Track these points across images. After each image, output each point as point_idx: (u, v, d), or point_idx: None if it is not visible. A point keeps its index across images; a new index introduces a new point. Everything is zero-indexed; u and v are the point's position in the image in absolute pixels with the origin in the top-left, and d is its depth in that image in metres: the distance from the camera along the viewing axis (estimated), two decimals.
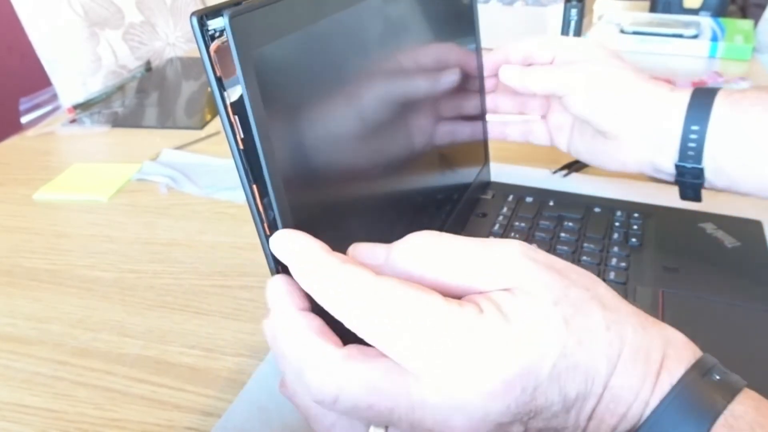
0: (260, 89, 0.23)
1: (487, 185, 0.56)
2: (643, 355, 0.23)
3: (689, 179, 0.43)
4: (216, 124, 0.76)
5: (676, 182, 0.45)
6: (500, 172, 0.58)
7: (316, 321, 0.24)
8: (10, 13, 0.84)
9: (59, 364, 0.39)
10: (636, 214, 0.51)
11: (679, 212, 0.51)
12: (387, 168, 0.35)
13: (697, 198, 0.45)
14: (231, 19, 0.21)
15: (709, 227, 0.49)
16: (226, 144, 0.23)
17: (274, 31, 0.24)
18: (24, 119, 0.79)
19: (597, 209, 0.52)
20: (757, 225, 0.49)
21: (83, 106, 0.81)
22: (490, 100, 0.54)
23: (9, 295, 0.46)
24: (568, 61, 0.47)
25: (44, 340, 0.41)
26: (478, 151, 0.54)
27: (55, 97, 0.83)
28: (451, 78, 0.46)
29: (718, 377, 0.23)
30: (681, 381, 0.22)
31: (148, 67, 0.96)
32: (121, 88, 0.88)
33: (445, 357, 0.21)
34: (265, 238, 0.25)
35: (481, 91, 0.52)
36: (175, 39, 1.07)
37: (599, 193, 0.55)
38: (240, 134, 0.23)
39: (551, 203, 0.53)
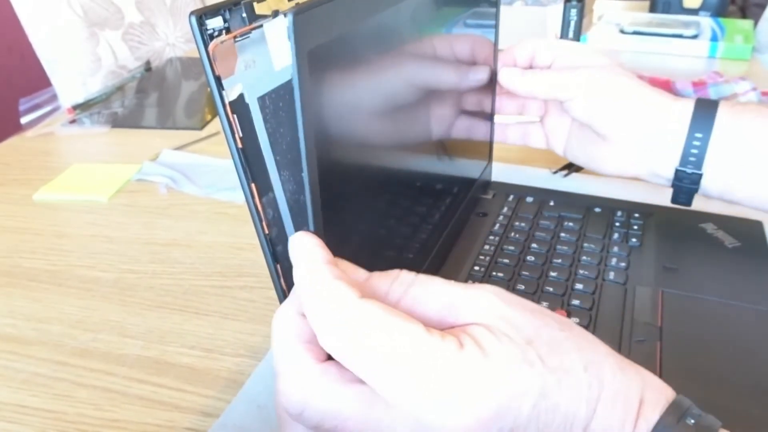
0: (312, 88, 0.23)
1: (487, 185, 0.56)
2: (622, 398, 0.22)
3: (686, 184, 0.45)
4: (216, 125, 0.76)
5: (672, 186, 0.46)
6: (501, 171, 0.58)
7: (308, 328, 0.23)
8: (9, 14, 0.84)
9: (59, 364, 0.39)
10: (636, 214, 0.51)
11: (679, 212, 0.51)
12: (402, 160, 0.35)
13: (688, 203, 0.47)
14: (294, 17, 0.21)
15: (709, 227, 0.49)
16: (225, 144, 0.23)
17: (327, 30, 0.24)
18: (24, 120, 0.79)
19: (597, 209, 0.52)
20: (757, 225, 0.49)
21: (83, 107, 0.81)
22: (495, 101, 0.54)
23: (9, 296, 0.46)
24: (568, 65, 0.47)
25: (44, 340, 0.41)
26: (484, 149, 0.55)
27: (54, 97, 0.83)
28: (477, 76, 0.46)
29: (692, 421, 0.22)
30: (657, 427, 0.22)
31: (147, 68, 0.96)
32: (120, 88, 0.88)
33: (422, 388, 0.20)
34: (264, 237, 0.25)
35: (493, 92, 0.52)
36: (175, 39, 1.07)
37: (599, 193, 0.55)
38: (239, 133, 0.23)
39: (551, 203, 0.53)
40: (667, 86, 0.69)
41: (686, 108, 0.44)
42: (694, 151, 0.43)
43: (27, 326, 0.43)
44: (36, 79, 0.88)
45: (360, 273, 0.25)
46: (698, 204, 0.48)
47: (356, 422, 0.21)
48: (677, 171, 0.45)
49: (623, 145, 0.46)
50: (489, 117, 0.53)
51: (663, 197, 0.54)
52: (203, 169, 0.64)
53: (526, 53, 0.49)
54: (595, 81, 0.45)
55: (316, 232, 0.24)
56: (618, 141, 0.46)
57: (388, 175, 0.34)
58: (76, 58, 0.89)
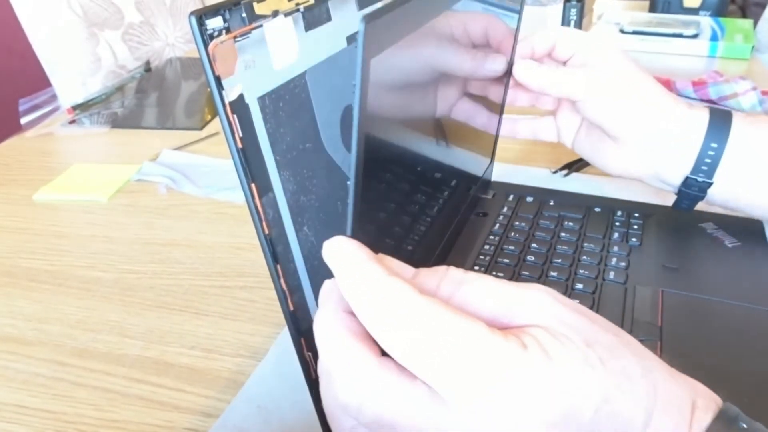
0: (370, 97, 0.22)
1: (487, 184, 0.56)
2: (676, 405, 0.22)
3: (694, 191, 0.45)
4: (215, 125, 0.76)
5: (678, 192, 0.47)
6: (501, 171, 0.58)
7: (358, 325, 0.23)
8: (9, 14, 0.84)
9: (59, 364, 0.39)
10: (636, 214, 0.51)
11: (679, 212, 0.51)
12: (421, 160, 0.36)
13: (691, 209, 0.47)
14: (367, 23, 0.21)
15: (710, 227, 0.49)
16: (225, 144, 0.23)
17: (390, 37, 0.24)
18: (23, 120, 0.78)
19: (597, 209, 0.52)
20: (757, 225, 0.49)
21: (83, 107, 0.81)
22: (509, 93, 0.53)
23: (9, 296, 0.46)
24: (586, 62, 0.46)
25: (44, 340, 0.41)
26: (489, 146, 0.54)
27: (54, 97, 0.83)
28: (494, 66, 0.45)
29: (744, 426, 0.22)
30: (711, 430, 0.22)
31: (147, 68, 0.96)
32: (120, 88, 0.88)
33: (486, 389, 0.20)
34: (264, 237, 0.25)
35: (504, 92, 0.52)
36: (175, 39, 1.07)
37: (599, 193, 0.55)
38: (239, 133, 0.23)
39: (551, 203, 0.53)
40: (667, 85, 0.69)
41: (701, 117, 0.44)
42: (708, 160, 0.43)
43: (27, 326, 0.43)
44: (36, 80, 0.88)
45: (406, 269, 0.24)
46: (698, 204, 0.48)
47: (415, 420, 0.21)
48: (687, 178, 0.45)
49: (633, 148, 0.46)
50: (498, 114, 0.53)
51: (663, 197, 0.54)
52: (203, 170, 0.64)
53: (547, 44, 0.48)
54: (610, 82, 0.45)
55: (354, 236, 0.24)
56: (628, 143, 0.46)
57: (411, 175, 0.34)
58: (75, 59, 0.89)
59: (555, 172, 0.60)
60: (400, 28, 0.25)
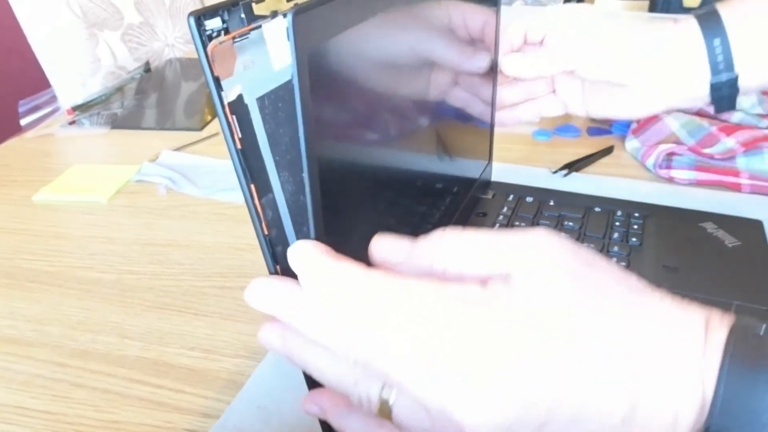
0: (311, 88, 0.23)
1: (487, 185, 0.56)
2: (683, 326, 0.21)
3: (726, 91, 0.44)
4: (215, 125, 0.75)
5: (712, 100, 0.45)
6: (500, 171, 0.58)
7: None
8: (8, 15, 0.84)
9: (59, 365, 0.39)
10: (636, 214, 0.51)
11: (679, 212, 0.51)
12: (402, 160, 0.35)
13: (733, 107, 0.46)
14: (294, 17, 0.21)
15: (710, 227, 0.49)
16: (225, 145, 0.23)
17: (328, 30, 0.24)
18: (23, 121, 0.78)
19: (597, 209, 0.52)
20: (757, 225, 0.49)
21: (82, 108, 0.80)
22: (503, 96, 0.53)
23: (9, 297, 0.46)
24: (561, 34, 0.47)
25: (44, 341, 0.41)
26: (485, 148, 0.54)
27: (54, 98, 0.83)
28: (478, 64, 0.46)
29: (761, 333, 0.21)
30: (734, 332, 0.21)
31: (147, 68, 0.96)
32: (120, 89, 0.88)
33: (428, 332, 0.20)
34: (263, 238, 0.25)
35: (493, 90, 0.52)
36: (174, 40, 1.07)
37: (599, 193, 0.55)
38: (238, 134, 0.23)
39: (551, 203, 0.53)
40: None
41: (691, 24, 0.44)
42: (720, 57, 0.43)
43: (26, 327, 0.43)
44: (35, 81, 0.88)
45: (402, 244, 0.24)
46: (698, 204, 0.48)
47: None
48: (713, 85, 0.44)
49: (645, 85, 0.45)
50: (489, 115, 0.53)
51: (663, 197, 0.54)
52: (203, 170, 0.64)
53: (520, 34, 0.49)
54: (595, 40, 0.45)
55: (317, 234, 0.24)
56: (638, 83, 0.45)
57: (389, 175, 0.34)
58: (75, 59, 0.89)
59: (555, 172, 0.60)
60: (343, 18, 0.25)
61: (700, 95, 0.45)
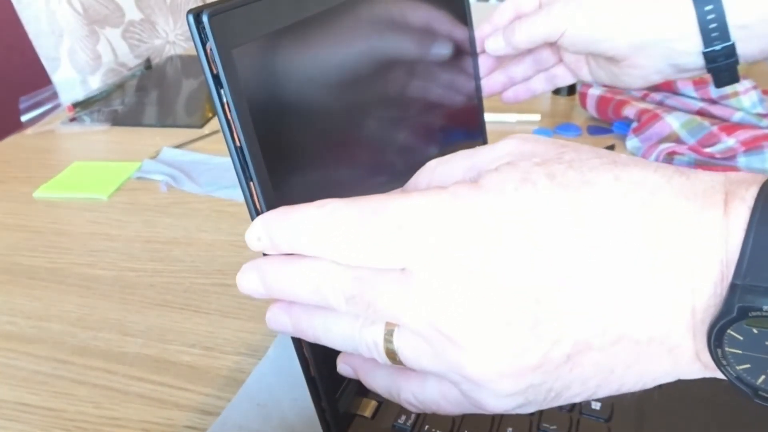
0: (243, 88, 0.23)
1: None
2: (689, 191, 0.19)
3: (723, 61, 0.42)
4: (216, 123, 0.75)
5: (710, 71, 0.43)
6: None
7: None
8: (9, 12, 0.84)
9: (59, 362, 0.39)
10: None
11: None
12: (382, 167, 0.35)
13: (736, 79, 0.43)
14: (210, 18, 0.21)
15: None
16: (225, 142, 0.23)
17: (255, 29, 0.24)
18: (24, 117, 0.79)
19: None
20: None
21: (83, 105, 0.80)
22: (502, 75, 0.52)
23: (9, 294, 0.46)
24: (550, 2, 0.45)
25: (44, 338, 0.41)
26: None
27: (55, 95, 0.83)
28: (445, 77, 0.46)
29: None
30: (762, 195, 0.18)
31: (147, 65, 0.96)
32: (120, 86, 0.88)
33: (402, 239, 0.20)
34: None
35: (478, 91, 0.52)
36: (175, 37, 1.07)
37: None
38: (236, 131, 0.23)
39: None
40: (667, 86, 0.69)
41: None
42: (713, 25, 0.40)
43: (27, 324, 0.43)
44: (36, 77, 0.88)
45: (398, 191, 0.24)
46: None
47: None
48: (706, 54, 0.41)
49: (633, 59, 0.44)
50: (478, 118, 0.53)
51: None
52: (203, 167, 0.64)
53: (507, 16, 0.48)
54: (576, 8, 0.43)
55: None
56: (629, 56, 0.44)
57: (366, 178, 0.33)
58: (76, 56, 0.89)
59: None
60: (273, 17, 0.25)
61: (694, 66, 0.43)
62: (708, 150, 0.58)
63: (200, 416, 0.35)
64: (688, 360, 0.20)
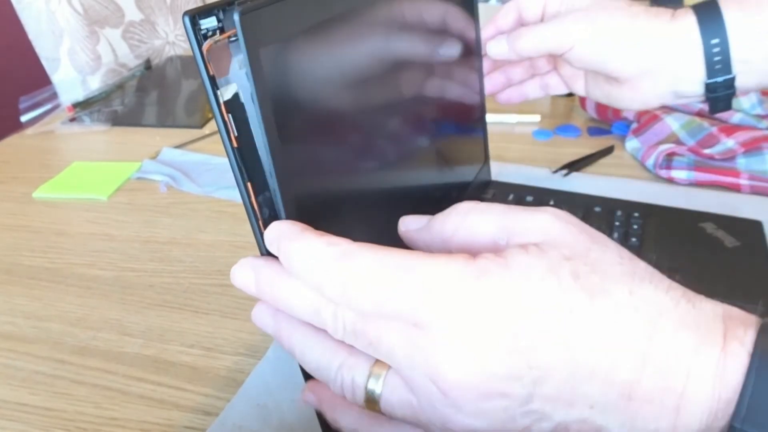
0: (268, 86, 0.23)
1: (487, 184, 0.56)
2: (692, 322, 0.20)
3: (722, 92, 0.43)
4: (215, 123, 0.76)
5: (707, 100, 0.44)
6: (500, 171, 0.58)
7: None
8: (9, 12, 0.84)
9: (58, 362, 0.39)
10: (636, 214, 0.51)
11: (679, 212, 0.51)
12: (388, 165, 0.35)
13: (729, 107, 0.44)
14: (241, 16, 0.21)
15: (709, 227, 0.49)
16: None
17: (282, 29, 0.24)
18: (24, 118, 0.79)
19: (597, 209, 0.52)
20: (757, 225, 0.49)
21: (83, 105, 0.81)
22: (501, 75, 0.53)
23: (8, 294, 0.46)
24: (556, 12, 0.45)
25: (43, 338, 0.41)
26: (478, 149, 0.54)
27: (54, 95, 0.83)
28: (453, 75, 0.46)
29: None
30: (761, 338, 0.20)
31: (147, 66, 0.96)
32: (120, 86, 0.88)
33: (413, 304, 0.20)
34: (260, 236, 0.25)
35: (481, 90, 0.52)
36: (175, 37, 1.07)
37: (599, 193, 0.55)
38: (234, 132, 0.23)
39: (551, 203, 0.53)
40: None
41: (688, 21, 0.42)
42: (718, 58, 0.41)
43: (26, 324, 0.43)
44: (36, 78, 0.88)
45: (424, 217, 0.25)
46: (698, 204, 0.48)
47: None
48: (708, 84, 0.42)
49: (638, 80, 0.44)
50: (480, 115, 0.53)
51: (663, 197, 0.54)
52: (203, 168, 0.64)
53: (510, 18, 0.47)
54: (588, 26, 0.43)
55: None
56: (631, 78, 0.44)
57: (375, 181, 0.33)
58: (76, 57, 0.89)
59: (555, 172, 0.60)
60: (299, 17, 0.25)
61: (694, 94, 0.44)
62: (707, 151, 0.58)
63: (199, 416, 0.35)
64: None
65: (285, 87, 0.24)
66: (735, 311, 0.21)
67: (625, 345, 0.20)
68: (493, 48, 0.46)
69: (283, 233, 0.23)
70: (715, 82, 0.42)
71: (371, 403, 0.22)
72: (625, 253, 0.22)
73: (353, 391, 0.22)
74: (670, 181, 0.57)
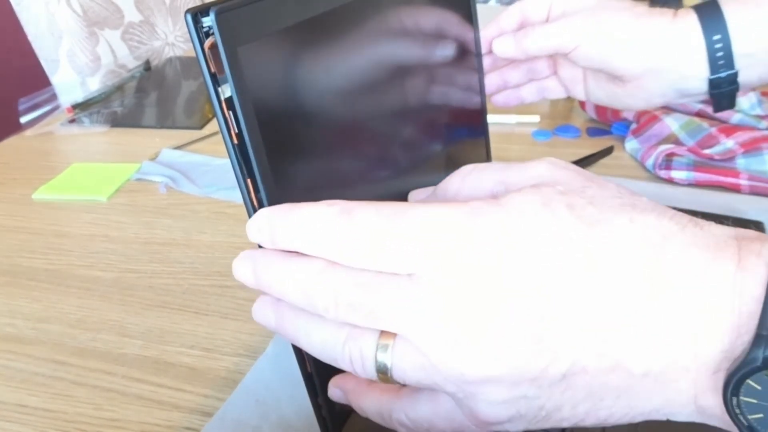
0: (248, 85, 0.23)
1: None
2: (702, 243, 0.19)
3: (725, 88, 0.43)
4: (215, 124, 0.75)
5: (711, 96, 0.45)
6: None
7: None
8: (9, 13, 0.84)
9: (58, 364, 0.39)
10: None
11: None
12: (383, 166, 0.35)
13: (733, 105, 0.45)
14: (218, 15, 0.21)
15: None
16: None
17: (261, 27, 0.24)
18: (23, 119, 0.78)
19: None
20: (757, 225, 0.49)
21: (82, 106, 0.80)
22: (497, 77, 0.53)
23: (8, 295, 0.46)
24: (562, 13, 0.46)
25: (43, 340, 0.41)
26: (480, 151, 0.54)
27: (54, 96, 0.83)
28: (450, 76, 0.46)
29: None
30: None
31: (147, 67, 0.96)
32: (120, 87, 0.88)
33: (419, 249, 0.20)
34: None
35: (481, 90, 0.52)
36: (174, 38, 1.07)
37: None
38: (234, 129, 0.23)
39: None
40: None
41: (690, 19, 0.43)
42: (720, 54, 0.42)
43: (26, 326, 0.43)
44: (35, 79, 0.88)
45: (428, 189, 0.26)
46: (698, 205, 0.48)
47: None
48: (711, 80, 0.43)
49: (642, 79, 0.45)
50: (480, 117, 0.53)
51: (663, 197, 0.53)
52: (203, 169, 0.64)
53: (514, 20, 0.48)
54: (592, 25, 0.44)
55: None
56: (635, 77, 0.45)
57: (372, 181, 0.33)
58: (75, 58, 0.89)
59: None
60: (279, 15, 0.25)
61: (698, 91, 0.45)
62: (707, 151, 0.58)
63: (199, 417, 0.35)
64: (683, 402, 0.20)
65: (266, 85, 0.24)
66: (749, 232, 0.20)
67: (630, 269, 0.19)
68: (499, 46, 0.46)
69: (274, 212, 0.23)
70: (719, 78, 0.43)
71: (383, 374, 0.22)
72: (625, 190, 0.22)
73: (363, 364, 0.22)
74: (670, 181, 0.57)
